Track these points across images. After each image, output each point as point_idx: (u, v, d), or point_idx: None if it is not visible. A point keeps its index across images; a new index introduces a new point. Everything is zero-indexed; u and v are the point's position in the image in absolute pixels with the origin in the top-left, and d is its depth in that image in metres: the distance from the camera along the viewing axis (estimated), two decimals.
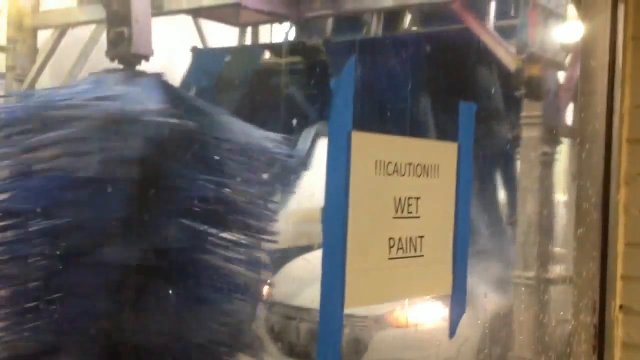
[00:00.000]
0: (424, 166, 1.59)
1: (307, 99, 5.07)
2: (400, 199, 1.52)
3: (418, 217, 1.57)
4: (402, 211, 1.53)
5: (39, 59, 5.55)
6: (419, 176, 1.58)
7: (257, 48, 5.83)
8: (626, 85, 2.42)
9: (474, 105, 1.80)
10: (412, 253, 1.55)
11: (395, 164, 1.50)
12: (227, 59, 5.65)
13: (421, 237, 1.58)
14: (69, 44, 5.39)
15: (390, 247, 1.49)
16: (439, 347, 4.29)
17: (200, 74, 5.48)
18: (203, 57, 5.77)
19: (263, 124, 4.42)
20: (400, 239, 1.51)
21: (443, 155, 1.67)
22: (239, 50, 5.85)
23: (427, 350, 4.30)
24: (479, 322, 4.36)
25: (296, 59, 5.23)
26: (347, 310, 4.45)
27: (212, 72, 5.48)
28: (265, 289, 4.17)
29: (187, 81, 5.42)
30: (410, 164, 1.55)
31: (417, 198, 1.57)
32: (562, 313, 3.90)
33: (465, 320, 4.78)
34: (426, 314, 4.38)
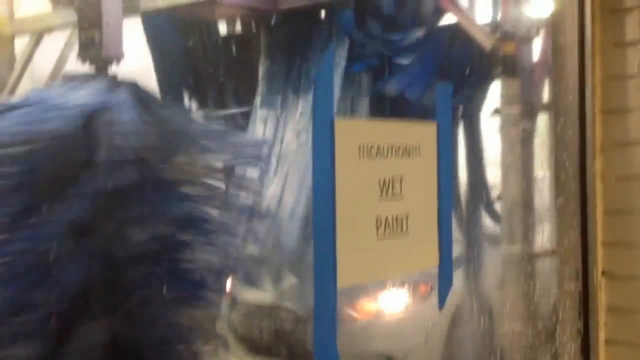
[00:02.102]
0: (406, 147, 1.66)
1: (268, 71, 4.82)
2: (384, 181, 1.59)
3: (402, 196, 1.64)
4: (387, 192, 1.59)
5: (17, 66, 5.54)
6: (402, 157, 1.65)
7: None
8: (596, 57, 2.50)
9: (450, 85, 1.87)
10: (399, 231, 1.62)
11: (378, 147, 1.57)
12: (179, 23, 5.33)
13: (407, 215, 1.64)
14: (45, 51, 5.38)
15: (378, 227, 1.56)
16: (407, 335, 4.26)
17: (154, 40, 5.18)
18: (154, 23, 5.36)
19: (217, 95, 4.24)
20: (386, 219, 1.58)
21: (423, 134, 1.74)
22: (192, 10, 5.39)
23: (394, 339, 4.23)
24: (448, 307, 4.34)
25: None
26: (309, 305, 4.21)
27: (165, 39, 5.22)
28: (228, 287, 4.07)
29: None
30: (392, 146, 1.61)
31: (401, 178, 1.63)
32: (548, 283, 3.98)
33: (431, 306, 4.76)
34: (392, 303, 4.33)
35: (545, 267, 4.12)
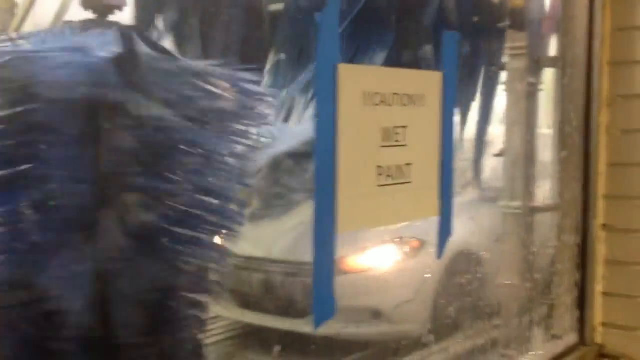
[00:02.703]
0: (410, 96, 1.64)
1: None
2: (387, 129, 1.58)
3: (405, 145, 1.63)
4: (390, 140, 1.58)
5: (19, 12, 5.49)
6: (406, 105, 1.63)
7: None
8: (607, 8, 2.47)
9: (457, 34, 1.84)
10: (401, 180, 1.61)
11: (382, 95, 1.55)
12: None
13: (409, 164, 1.64)
14: None
15: (379, 174, 1.55)
16: (396, 291, 4.22)
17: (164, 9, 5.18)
18: None
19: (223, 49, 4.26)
20: (389, 167, 1.57)
21: (428, 84, 1.72)
22: None
23: (384, 295, 4.19)
24: (439, 262, 4.14)
25: None
26: (297, 258, 4.22)
27: (179, 8, 5.23)
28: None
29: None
30: (396, 94, 1.60)
31: (404, 127, 1.62)
32: (547, 237, 4.00)
33: (422, 262, 4.74)
34: (381, 258, 4.27)
35: (547, 221, 4.13)
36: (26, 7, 6.10)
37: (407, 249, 4.29)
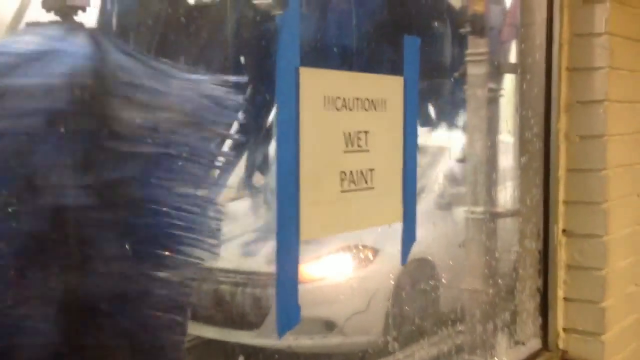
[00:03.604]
0: (372, 100, 1.63)
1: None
2: (350, 134, 1.55)
3: (368, 150, 1.61)
4: (352, 145, 1.56)
5: None
6: (367, 110, 1.61)
7: None
8: (565, 15, 2.49)
9: (418, 39, 1.83)
10: (363, 185, 1.59)
11: (344, 99, 1.53)
12: None
13: (371, 170, 1.62)
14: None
15: (342, 180, 1.53)
16: (348, 301, 4.13)
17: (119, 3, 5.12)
18: None
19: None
20: (351, 172, 1.55)
21: (390, 89, 1.70)
22: None
23: (336, 305, 4.09)
24: (392, 272, 4.16)
25: None
26: (249, 268, 4.09)
27: (137, 11, 5.17)
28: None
29: (105, 13, 5.06)
30: (358, 99, 1.58)
31: (366, 132, 1.60)
32: (509, 243, 4.02)
33: (375, 270, 4.67)
34: (333, 268, 4.17)
35: (508, 226, 4.16)
36: None
37: (361, 257, 4.25)
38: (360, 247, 4.18)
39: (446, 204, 4.93)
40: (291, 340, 3.76)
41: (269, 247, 4.02)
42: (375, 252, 4.22)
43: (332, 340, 4.04)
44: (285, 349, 3.79)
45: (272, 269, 4.46)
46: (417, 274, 4.38)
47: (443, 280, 4.50)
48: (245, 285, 4.08)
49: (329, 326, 4.05)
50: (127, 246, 1.05)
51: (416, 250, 4.61)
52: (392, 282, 4.23)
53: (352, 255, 4.18)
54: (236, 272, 4.11)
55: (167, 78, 1.14)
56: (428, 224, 4.30)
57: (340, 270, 4.24)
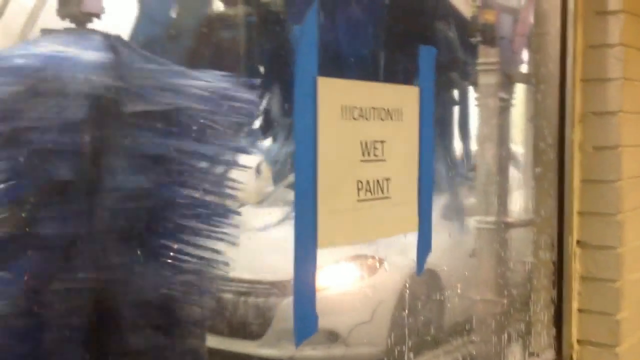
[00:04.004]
0: (388, 110, 1.63)
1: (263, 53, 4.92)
2: (366, 143, 1.56)
3: (384, 160, 1.61)
4: (369, 154, 1.57)
5: None
6: (384, 120, 1.62)
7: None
8: (579, 26, 2.49)
9: (433, 49, 1.84)
10: (380, 195, 1.59)
11: (361, 109, 1.54)
12: (177, 5, 5.42)
13: (387, 179, 1.62)
14: (17, 4, 5.25)
15: (359, 189, 1.53)
16: (352, 311, 4.08)
17: (148, 22, 5.22)
18: (150, 3, 5.47)
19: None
20: (368, 182, 1.56)
21: (405, 98, 1.71)
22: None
23: (339, 316, 4.02)
24: (397, 282, 4.11)
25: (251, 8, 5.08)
26: (251, 277, 4.00)
27: (161, 20, 5.24)
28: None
29: (135, 30, 5.17)
30: (374, 108, 1.58)
31: (383, 141, 1.61)
32: (522, 253, 3.99)
33: (380, 280, 4.61)
34: (337, 277, 4.10)
35: (521, 237, 4.13)
36: None
37: (365, 267, 4.22)
38: (365, 257, 4.15)
39: (452, 213, 4.90)
40: (294, 351, 3.74)
41: (277, 258, 4.00)
42: (380, 261, 4.19)
43: (336, 351, 4.00)
44: (287, 359, 3.77)
45: (273, 277, 4.37)
46: (422, 284, 4.35)
47: (450, 290, 4.46)
48: (249, 295, 4.06)
49: (333, 337, 4.01)
50: (148, 251, 1.06)
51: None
52: (397, 293, 4.21)
53: (356, 264, 4.14)
54: (240, 280, 4.09)
55: (184, 79, 1.14)
56: (433, 234, 4.26)
57: (344, 279, 4.19)
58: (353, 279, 4.21)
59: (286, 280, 4.03)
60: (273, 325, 4.03)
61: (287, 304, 4.05)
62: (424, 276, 4.32)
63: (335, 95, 1.47)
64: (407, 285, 4.22)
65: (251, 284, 3.99)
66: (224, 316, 4.14)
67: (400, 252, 4.18)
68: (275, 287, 4.07)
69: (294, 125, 1.38)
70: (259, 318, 4.06)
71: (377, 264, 4.17)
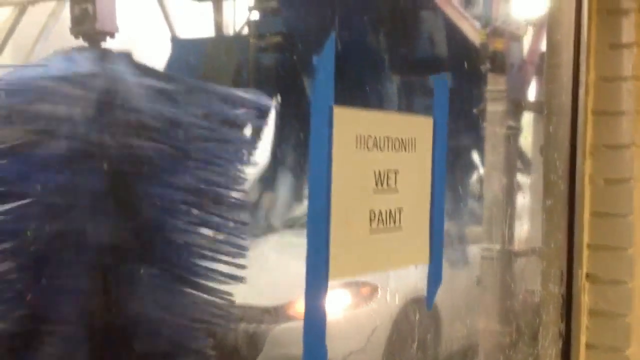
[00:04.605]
0: (402, 140, 1.62)
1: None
2: (380, 173, 1.55)
3: (397, 190, 1.60)
4: (382, 185, 1.56)
5: (0, 35, 5.43)
6: (397, 150, 1.61)
7: (239, 38, 5.73)
8: (591, 57, 2.48)
9: (447, 81, 1.83)
10: (392, 225, 1.58)
11: (375, 138, 1.53)
12: (209, 49, 5.57)
13: (400, 209, 1.61)
14: (29, 22, 5.28)
15: (371, 219, 1.52)
16: (346, 339, 4.02)
17: (183, 65, 5.40)
18: (183, 48, 5.67)
19: None
20: (380, 212, 1.54)
21: (419, 129, 1.70)
22: (221, 41, 5.71)
23: (333, 343, 4.01)
24: (392, 309, 4.12)
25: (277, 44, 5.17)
26: (243, 301, 3.98)
27: (194, 64, 5.40)
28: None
29: (170, 73, 5.33)
30: (388, 138, 1.58)
31: (396, 172, 1.60)
32: (529, 284, 3.96)
33: (374, 308, 4.55)
34: (332, 303, 4.08)
35: (528, 268, 4.10)
36: (7, 31, 5.96)
37: (360, 294, 4.16)
38: (360, 284, 4.11)
39: (451, 242, 4.87)
40: None
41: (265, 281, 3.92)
42: (375, 289, 4.15)
43: None
44: None
45: (266, 302, 4.28)
46: (415, 313, 4.29)
47: (448, 319, 4.41)
48: (239, 321, 3.98)
49: None
50: (158, 271, 1.05)
51: (414, 287, 4.52)
52: (392, 320, 4.16)
53: (351, 291, 4.10)
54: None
55: (198, 95, 1.15)
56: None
57: (339, 306, 4.16)
58: (347, 305, 4.17)
59: (279, 305, 4.03)
60: (265, 352, 3.96)
61: (280, 330, 4.00)
62: (419, 304, 4.27)
63: (350, 124, 1.46)
64: (403, 312, 4.18)
65: (241, 309, 3.83)
66: (215, 341, 4.07)
67: (395, 279, 4.16)
68: (267, 312, 4.01)
69: (309, 154, 1.38)
70: (249, 345, 3.98)
71: (372, 292, 4.13)
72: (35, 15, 5.19)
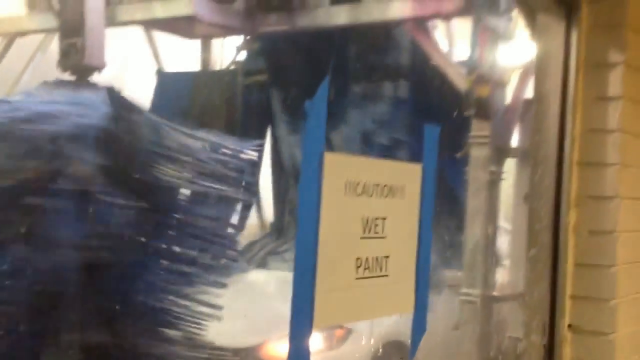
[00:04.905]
0: (391, 187, 1.62)
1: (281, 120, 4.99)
2: (367, 219, 1.54)
3: (384, 237, 1.59)
4: (370, 231, 1.54)
5: None
6: (386, 197, 1.60)
7: (225, 72, 5.73)
8: (578, 109, 2.51)
9: (437, 128, 1.84)
10: (378, 273, 1.57)
11: (364, 185, 1.52)
12: (194, 82, 5.57)
13: (386, 257, 1.59)
14: (16, 53, 5.26)
15: (358, 267, 1.50)
16: None
17: (168, 98, 5.39)
18: (168, 81, 5.67)
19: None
20: (367, 259, 1.53)
21: (408, 176, 1.70)
22: (206, 74, 5.72)
23: None
24: (364, 354, 4.05)
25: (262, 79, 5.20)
26: (214, 342, 3.84)
27: (180, 97, 5.39)
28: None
29: (155, 105, 5.32)
30: (377, 185, 1.57)
31: (384, 218, 1.59)
32: (508, 331, 3.93)
33: (347, 352, 4.45)
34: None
35: (510, 316, 4.08)
36: None
37: (332, 337, 4.09)
38: (332, 327, 4.03)
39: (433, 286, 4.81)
40: None
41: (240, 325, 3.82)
42: (348, 332, 4.09)
43: None
44: None
45: (236, 343, 4.17)
46: (390, 357, 4.22)
47: None
48: None
49: None
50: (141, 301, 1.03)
51: (389, 331, 4.42)
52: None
53: (323, 334, 4.01)
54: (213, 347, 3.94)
55: (181, 137, 1.14)
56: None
57: (312, 349, 4.09)
58: (319, 349, 4.07)
59: (250, 347, 3.92)
60: None
61: None
62: (392, 348, 4.19)
63: (340, 170, 1.45)
64: (375, 356, 4.11)
65: (211, 349, 3.66)
66: None
67: (368, 323, 4.09)
68: (237, 353, 3.89)
69: (299, 199, 1.36)
70: None
71: (344, 335, 4.07)
72: (23, 47, 5.18)
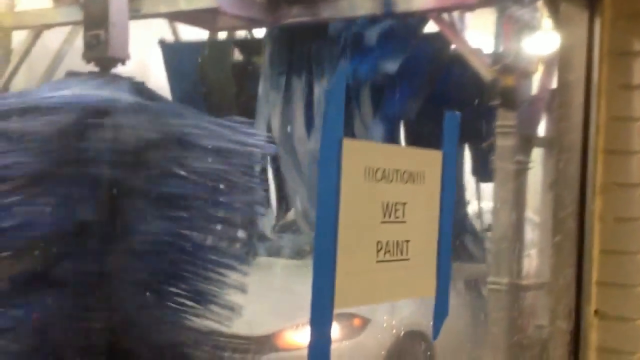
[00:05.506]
0: (411, 173, 1.63)
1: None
2: (388, 204, 1.55)
3: (404, 222, 1.60)
4: (390, 216, 1.56)
5: (14, 60, 5.51)
6: (406, 182, 1.62)
7: (230, 43, 5.65)
8: (602, 97, 2.50)
9: (458, 115, 1.84)
10: (399, 256, 1.58)
11: (384, 171, 1.54)
12: (201, 54, 5.50)
13: (407, 241, 1.61)
14: (43, 46, 5.35)
15: (378, 250, 1.52)
16: None
17: (175, 70, 5.35)
18: (174, 52, 5.60)
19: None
20: (387, 243, 1.55)
21: (428, 162, 1.71)
22: (212, 45, 5.63)
23: None
24: (383, 343, 4.04)
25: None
26: (230, 330, 3.86)
27: (187, 69, 5.35)
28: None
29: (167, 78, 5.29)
30: (397, 171, 1.59)
31: (404, 203, 1.60)
32: (536, 318, 3.92)
33: (365, 341, 4.43)
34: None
35: (536, 303, 4.06)
36: (21, 55, 6.05)
37: (350, 326, 4.07)
38: (350, 315, 4.02)
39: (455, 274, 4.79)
40: None
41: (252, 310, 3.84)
42: (366, 321, 4.07)
43: None
44: None
45: (253, 332, 4.18)
46: (409, 347, 4.20)
47: (440, 355, 4.31)
48: (224, 350, 3.87)
49: None
50: (160, 296, 1.06)
51: (407, 321, 4.38)
52: (383, 354, 4.09)
53: (341, 323, 3.99)
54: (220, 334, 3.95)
55: (204, 124, 1.16)
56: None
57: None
58: (337, 338, 4.10)
59: (267, 335, 3.92)
60: None
61: None
62: (411, 338, 4.16)
63: (359, 156, 1.47)
64: (395, 346, 4.09)
65: (228, 337, 3.61)
66: None
67: (387, 312, 4.05)
68: (253, 341, 3.89)
69: (318, 185, 1.39)
70: None
71: (362, 324, 4.05)
72: (50, 40, 5.27)
